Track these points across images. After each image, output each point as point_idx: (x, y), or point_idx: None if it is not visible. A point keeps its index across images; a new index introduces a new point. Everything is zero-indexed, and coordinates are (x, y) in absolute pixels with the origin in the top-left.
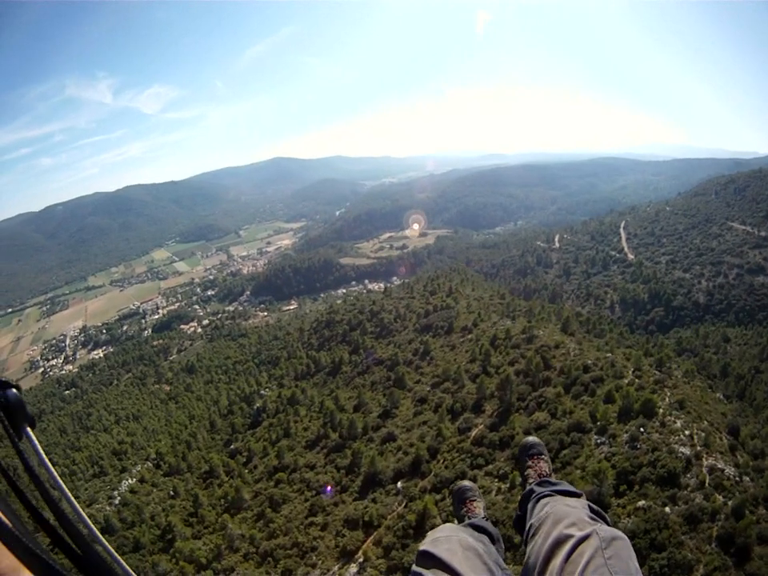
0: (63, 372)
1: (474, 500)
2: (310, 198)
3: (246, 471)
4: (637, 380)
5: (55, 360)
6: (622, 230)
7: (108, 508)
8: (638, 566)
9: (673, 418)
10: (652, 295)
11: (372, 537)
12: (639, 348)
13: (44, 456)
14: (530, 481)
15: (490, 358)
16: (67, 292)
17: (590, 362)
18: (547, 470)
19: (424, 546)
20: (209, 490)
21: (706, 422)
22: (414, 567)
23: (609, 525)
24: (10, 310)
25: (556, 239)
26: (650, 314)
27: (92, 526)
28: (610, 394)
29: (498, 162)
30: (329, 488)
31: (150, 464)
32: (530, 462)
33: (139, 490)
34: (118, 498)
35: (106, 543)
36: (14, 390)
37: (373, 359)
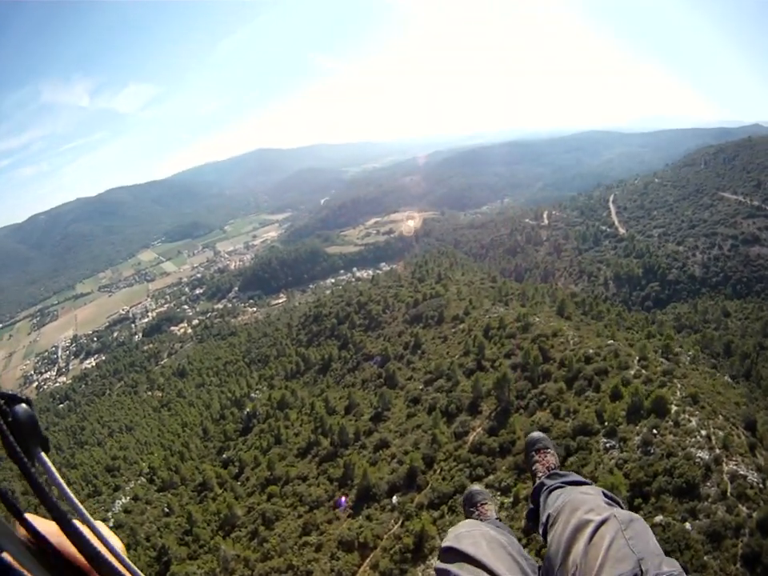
0: (57, 384)
1: (486, 503)
2: (294, 187)
3: (239, 484)
4: (643, 371)
5: (48, 373)
6: (611, 204)
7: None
8: (657, 543)
9: (687, 416)
10: (646, 270)
11: (368, 560)
12: (640, 329)
13: (64, 485)
14: (539, 475)
15: (485, 351)
16: (56, 302)
17: (591, 351)
18: (555, 463)
19: (447, 542)
20: (203, 505)
21: (721, 417)
22: (439, 564)
23: (623, 509)
24: (0, 325)
25: (545, 216)
26: (645, 290)
27: (135, 569)
28: (616, 389)
29: (482, 141)
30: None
31: (144, 479)
32: (537, 457)
33: (133, 509)
34: (112, 519)
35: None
36: (24, 406)
37: (376, 362)
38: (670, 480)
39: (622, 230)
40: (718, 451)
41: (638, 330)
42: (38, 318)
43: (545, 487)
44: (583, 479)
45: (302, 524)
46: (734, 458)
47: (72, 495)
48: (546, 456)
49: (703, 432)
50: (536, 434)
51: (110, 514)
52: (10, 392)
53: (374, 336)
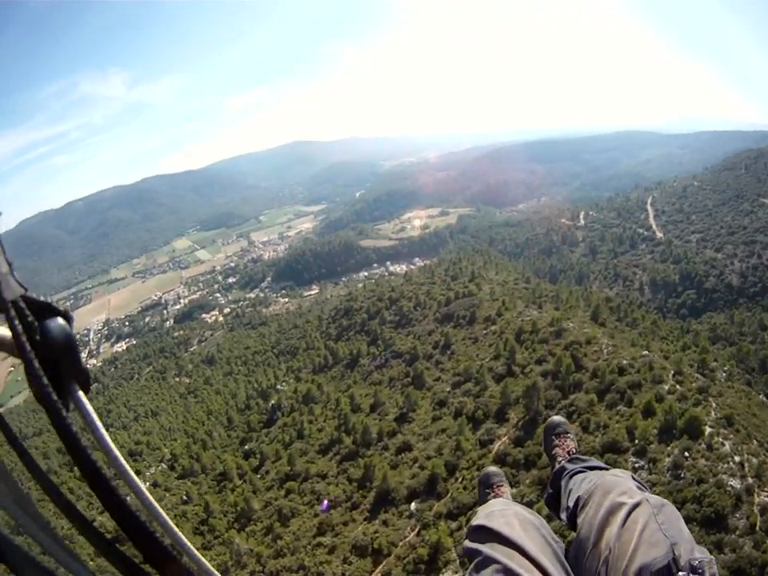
0: (87, 366)
1: (502, 485)
2: (330, 180)
3: (258, 477)
4: (678, 386)
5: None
6: (649, 207)
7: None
8: (688, 530)
9: (721, 439)
10: (683, 276)
11: (380, 567)
12: (675, 339)
13: (106, 437)
14: (559, 459)
15: (515, 355)
16: (90, 286)
17: (625, 361)
18: (574, 448)
19: (478, 521)
20: (221, 495)
21: (755, 442)
22: (468, 543)
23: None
24: None
25: (581, 216)
26: (681, 297)
27: (177, 532)
28: (649, 405)
29: (520, 137)
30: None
31: (165, 465)
32: (556, 441)
33: (152, 495)
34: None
35: (193, 550)
36: (60, 321)
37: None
38: (698, 508)
39: (659, 234)
40: (750, 480)
41: (672, 339)
42: (71, 301)
43: (566, 471)
44: (604, 465)
45: (318, 523)
46: (766, 489)
47: (116, 451)
48: (566, 440)
49: (737, 458)
50: (556, 418)
51: (128, 498)
52: (42, 299)
53: (404, 333)
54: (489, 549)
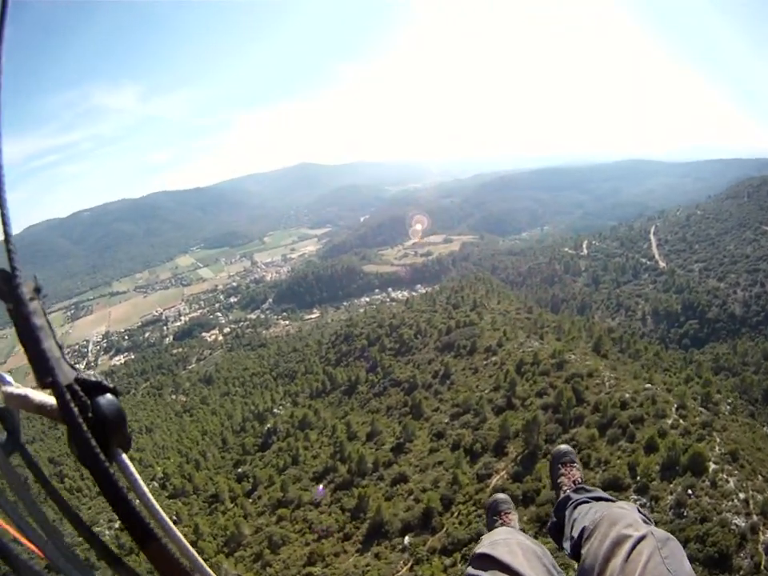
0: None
1: (509, 512)
2: (335, 203)
3: (250, 501)
4: (681, 420)
5: (77, 366)
6: (652, 236)
7: (107, 532)
8: (690, 566)
9: (725, 476)
10: (685, 306)
11: None
12: (678, 371)
13: (148, 494)
14: (564, 488)
15: (516, 388)
16: (91, 297)
17: (627, 395)
18: (580, 478)
19: (481, 549)
20: (212, 517)
21: (761, 478)
22: (471, 570)
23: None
24: None
25: (584, 245)
26: (683, 327)
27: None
28: (652, 440)
29: (524, 165)
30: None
31: (156, 484)
32: (562, 470)
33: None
34: (118, 521)
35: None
36: (111, 397)
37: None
38: (702, 548)
39: (662, 264)
40: (755, 518)
41: (675, 371)
42: (72, 311)
43: (571, 501)
44: (609, 496)
45: (308, 553)
46: None
47: (158, 507)
48: (571, 470)
49: (741, 495)
50: (563, 447)
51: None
52: (95, 379)
53: (404, 361)
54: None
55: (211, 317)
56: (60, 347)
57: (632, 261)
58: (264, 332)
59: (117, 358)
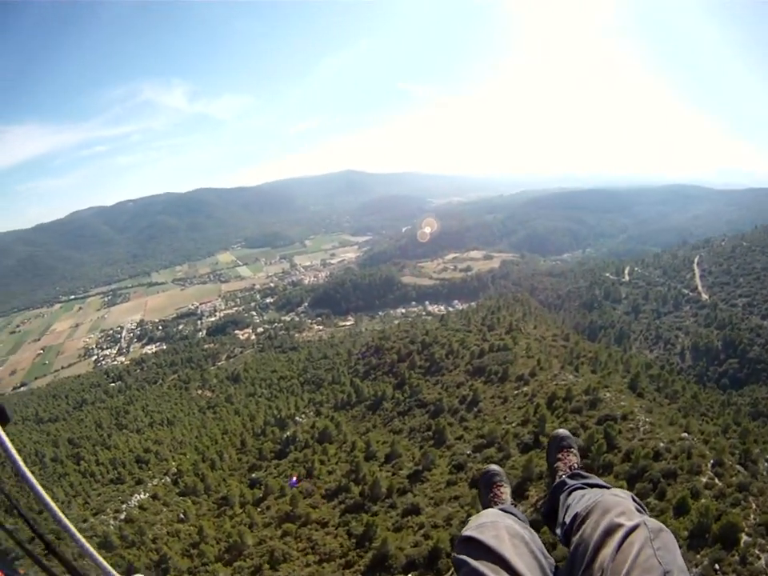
0: (115, 363)
1: (502, 485)
2: (378, 212)
3: (258, 511)
4: (717, 480)
5: (109, 350)
6: (695, 266)
7: (112, 522)
8: (682, 558)
9: (757, 551)
10: (726, 343)
11: None
12: (715, 416)
13: (21, 465)
14: (560, 473)
15: (545, 424)
16: (130, 285)
17: (662, 444)
18: (577, 464)
19: (468, 531)
20: (219, 520)
21: None
22: (457, 554)
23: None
24: (72, 296)
25: (626, 272)
26: (723, 365)
27: (87, 546)
28: (683, 502)
29: (569, 185)
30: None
31: (168, 479)
32: (559, 455)
33: (149, 508)
34: (125, 512)
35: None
36: None
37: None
38: None
39: (704, 296)
40: None
41: (713, 416)
42: (109, 297)
43: (566, 486)
44: (605, 483)
45: (308, 575)
46: None
47: (31, 478)
48: (569, 455)
49: None
50: (562, 431)
51: (124, 506)
52: None
53: (432, 382)
54: (475, 562)
55: (246, 315)
56: None
57: (674, 291)
58: (297, 335)
59: (149, 347)
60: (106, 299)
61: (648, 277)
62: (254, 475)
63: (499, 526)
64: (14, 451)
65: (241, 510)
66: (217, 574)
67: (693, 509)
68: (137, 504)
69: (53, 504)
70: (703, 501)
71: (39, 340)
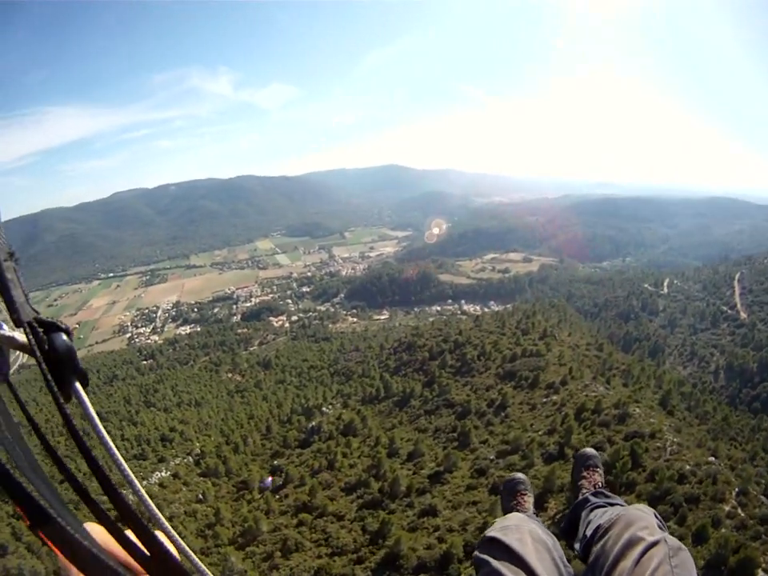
0: (148, 341)
1: (526, 494)
2: (419, 208)
3: (276, 498)
4: (739, 510)
5: (143, 329)
6: (736, 283)
7: (131, 497)
8: None
9: None
10: (762, 365)
11: None
12: (744, 441)
13: (96, 420)
14: (584, 491)
15: (571, 436)
16: (168, 267)
17: (688, 467)
18: (601, 483)
19: (492, 532)
20: (237, 504)
21: None
22: (479, 554)
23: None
24: (111, 274)
25: (665, 284)
26: (757, 389)
27: (151, 504)
28: (703, 530)
29: (611, 191)
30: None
31: (191, 459)
32: (585, 473)
33: (169, 486)
34: (144, 489)
35: (168, 525)
36: (64, 337)
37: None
38: None
39: (743, 315)
40: None
41: (742, 440)
42: (147, 277)
43: (588, 503)
44: (627, 504)
45: (317, 567)
46: None
47: (105, 434)
48: (594, 474)
49: None
50: (589, 450)
51: (144, 482)
52: (50, 319)
53: (462, 382)
54: (497, 562)
55: (281, 303)
56: (26, 295)
57: (712, 307)
58: (330, 326)
59: (183, 328)
60: (143, 279)
61: (687, 291)
62: (275, 462)
63: (523, 530)
64: (92, 411)
65: (259, 496)
66: (228, 557)
67: (712, 538)
68: (157, 481)
69: (123, 461)
70: (723, 530)
71: (75, 315)
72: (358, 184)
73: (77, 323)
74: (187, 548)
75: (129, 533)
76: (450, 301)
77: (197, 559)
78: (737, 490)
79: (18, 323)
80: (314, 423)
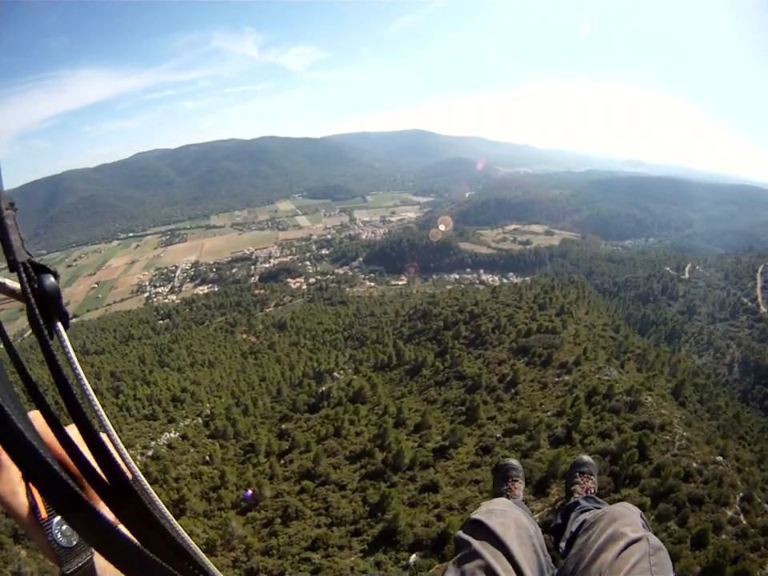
0: (166, 301)
1: (517, 480)
2: (443, 174)
3: (281, 463)
4: (742, 517)
5: (161, 288)
6: (759, 275)
7: (139, 458)
8: None
9: None
10: None
11: None
12: (753, 441)
13: (74, 356)
14: (576, 495)
15: (580, 420)
16: (188, 227)
17: (695, 465)
18: (593, 489)
19: (477, 515)
20: (243, 467)
21: None
22: (462, 534)
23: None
24: (131, 234)
25: (687, 269)
26: None
27: (118, 441)
28: (703, 534)
29: (638, 169)
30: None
31: (200, 420)
32: (579, 479)
33: (177, 447)
34: (153, 449)
35: (132, 463)
36: (52, 278)
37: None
38: None
39: (763, 309)
40: None
41: (751, 440)
42: (167, 237)
43: (579, 506)
44: None
45: (315, 537)
46: None
47: (81, 371)
48: (587, 481)
49: None
50: (585, 458)
51: (153, 443)
52: (41, 263)
53: (475, 355)
54: (478, 544)
55: (300, 264)
56: (22, 240)
57: (733, 298)
58: (348, 289)
59: (200, 288)
60: (163, 239)
61: (708, 278)
62: (283, 426)
63: (508, 516)
64: (71, 348)
65: (265, 460)
66: (229, 521)
67: (712, 544)
68: (165, 442)
69: (94, 395)
70: (724, 537)
71: (95, 274)
72: (381, 148)
73: (95, 283)
74: (128, 455)
75: (71, 429)
76: (468, 270)
77: (132, 463)
78: (741, 495)
79: (13, 263)
80: (324, 388)
